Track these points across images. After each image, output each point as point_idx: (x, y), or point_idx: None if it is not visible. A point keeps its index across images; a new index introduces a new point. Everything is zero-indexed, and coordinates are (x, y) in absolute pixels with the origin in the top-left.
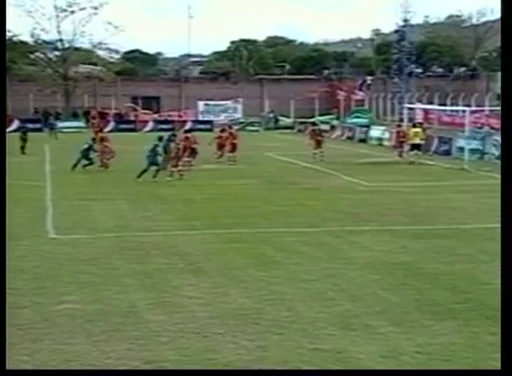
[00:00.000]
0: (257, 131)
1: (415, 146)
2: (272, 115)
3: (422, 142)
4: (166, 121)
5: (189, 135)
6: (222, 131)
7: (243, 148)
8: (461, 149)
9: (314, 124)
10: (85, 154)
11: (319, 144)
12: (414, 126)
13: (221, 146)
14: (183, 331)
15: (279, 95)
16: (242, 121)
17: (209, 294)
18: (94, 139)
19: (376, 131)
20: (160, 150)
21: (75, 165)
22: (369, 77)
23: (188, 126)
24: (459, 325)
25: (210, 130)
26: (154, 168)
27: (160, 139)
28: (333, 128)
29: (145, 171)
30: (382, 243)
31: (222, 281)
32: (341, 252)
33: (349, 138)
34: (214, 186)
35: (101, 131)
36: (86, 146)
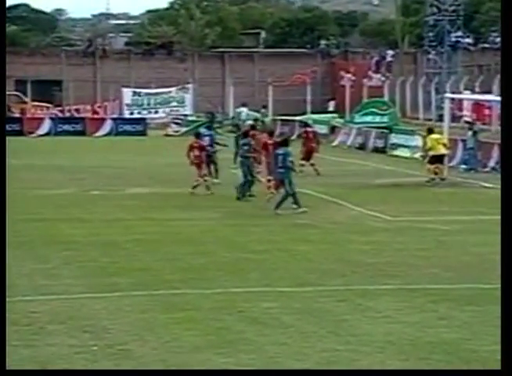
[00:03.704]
0: (218, 135)
1: (437, 159)
2: (244, 111)
3: (447, 152)
4: (72, 120)
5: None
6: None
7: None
8: None
9: (305, 124)
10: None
11: (309, 153)
12: (431, 131)
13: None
14: None
15: (250, 78)
16: (192, 119)
17: None
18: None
19: (401, 137)
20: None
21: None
22: (391, 52)
23: (107, 126)
24: None
25: (142, 133)
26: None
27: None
28: (333, 130)
29: (249, 185)
30: (411, 310)
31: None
32: (348, 325)
33: (359, 146)
34: (149, 222)
35: None
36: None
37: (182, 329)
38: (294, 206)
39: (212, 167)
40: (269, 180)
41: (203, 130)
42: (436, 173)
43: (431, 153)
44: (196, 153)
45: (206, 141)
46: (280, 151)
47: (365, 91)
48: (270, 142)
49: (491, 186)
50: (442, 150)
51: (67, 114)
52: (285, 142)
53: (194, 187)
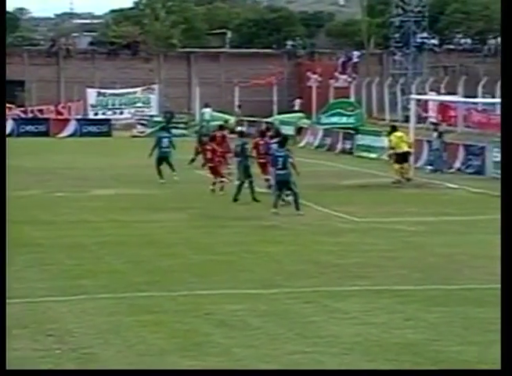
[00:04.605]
0: (183, 136)
1: (402, 157)
2: (207, 112)
3: (411, 150)
4: (35, 120)
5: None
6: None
7: None
8: (500, 164)
9: (267, 128)
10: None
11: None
12: (394, 129)
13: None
14: None
15: (217, 79)
16: (158, 119)
17: None
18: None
19: (367, 138)
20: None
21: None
22: (357, 53)
23: (71, 127)
24: None
25: (107, 134)
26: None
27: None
28: (300, 131)
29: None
30: (378, 311)
31: None
32: (315, 326)
33: (326, 147)
34: (114, 224)
35: None
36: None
37: (148, 332)
38: (274, 210)
39: (168, 167)
40: (267, 180)
41: (158, 133)
42: (402, 173)
43: (394, 151)
44: (209, 156)
45: (164, 142)
46: (280, 153)
47: (331, 92)
48: (262, 142)
49: (456, 186)
50: (405, 148)
51: (30, 115)
52: (283, 143)
53: (213, 184)
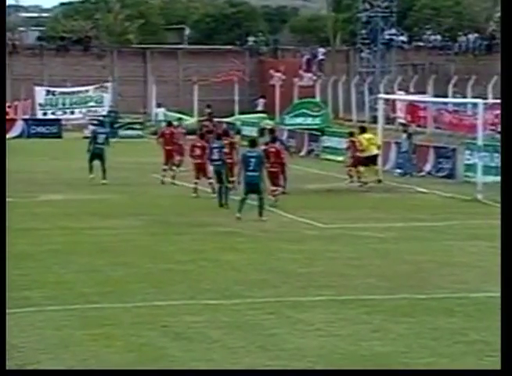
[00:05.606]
0: (139, 137)
1: (370, 160)
2: (160, 112)
3: (379, 152)
4: None
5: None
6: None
7: (116, 165)
8: (472, 167)
9: (225, 130)
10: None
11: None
12: (363, 130)
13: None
14: None
15: (174, 77)
16: (111, 120)
17: None
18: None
19: (334, 140)
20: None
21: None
22: (323, 50)
23: (18, 128)
24: None
25: (57, 135)
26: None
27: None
28: (263, 132)
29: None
30: (344, 323)
31: None
32: (278, 339)
33: (291, 149)
34: (64, 231)
35: None
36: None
37: (100, 346)
38: (238, 215)
39: (100, 167)
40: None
41: (94, 127)
42: (359, 177)
43: (364, 154)
44: (198, 152)
45: (100, 138)
46: (253, 154)
47: (295, 91)
48: (226, 141)
49: (426, 191)
50: (375, 151)
51: None
52: (254, 144)
53: (194, 190)
